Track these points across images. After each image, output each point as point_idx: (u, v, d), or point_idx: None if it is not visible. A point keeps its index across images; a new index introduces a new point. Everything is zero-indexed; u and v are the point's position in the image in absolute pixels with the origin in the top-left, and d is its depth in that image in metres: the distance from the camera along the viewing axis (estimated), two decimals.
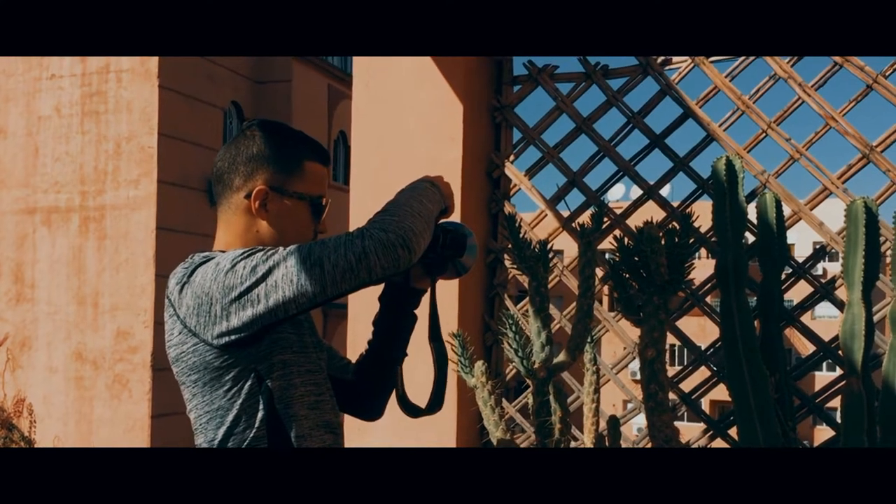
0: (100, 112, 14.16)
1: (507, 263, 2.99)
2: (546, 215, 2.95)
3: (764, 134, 2.65)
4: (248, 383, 1.49)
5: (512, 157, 3.02)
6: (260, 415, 1.50)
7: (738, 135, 2.79)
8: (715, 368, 2.70)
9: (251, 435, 1.50)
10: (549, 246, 2.36)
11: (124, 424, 16.15)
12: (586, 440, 2.37)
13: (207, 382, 1.50)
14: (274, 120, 1.69)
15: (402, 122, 3.03)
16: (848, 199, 2.52)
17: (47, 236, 13.98)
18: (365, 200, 3.07)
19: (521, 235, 2.32)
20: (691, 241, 2.25)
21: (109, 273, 14.58)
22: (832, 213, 2.55)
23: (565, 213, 2.92)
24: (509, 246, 2.99)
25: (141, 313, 16.84)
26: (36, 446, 11.72)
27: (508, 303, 2.99)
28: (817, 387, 2.80)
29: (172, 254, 17.33)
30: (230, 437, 1.50)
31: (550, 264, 2.35)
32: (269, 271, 1.41)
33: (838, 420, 2.53)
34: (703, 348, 2.72)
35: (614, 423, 2.39)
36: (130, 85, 14.09)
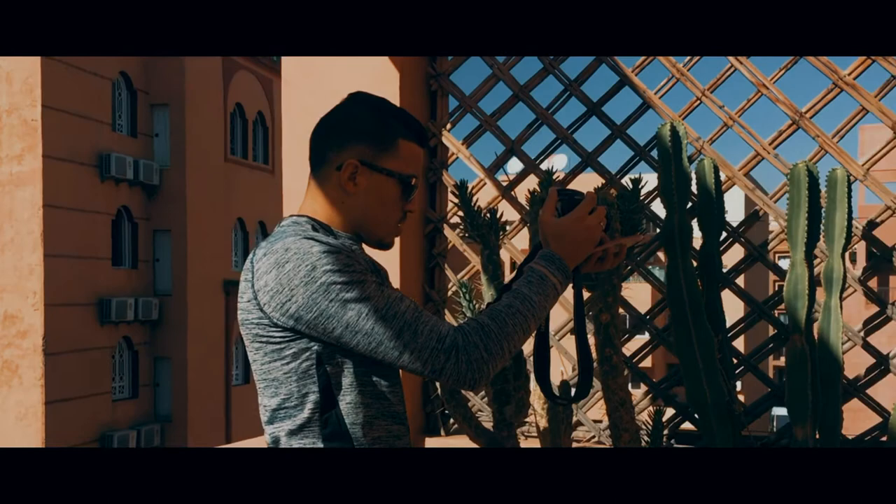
0: None
1: (448, 233, 2.98)
2: (485, 183, 2.94)
3: (698, 101, 2.71)
4: (306, 363, 1.48)
5: (449, 126, 3.00)
6: (313, 397, 1.49)
7: (674, 102, 2.85)
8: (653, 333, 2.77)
9: (302, 415, 1.50)
10: (498, 214, 2.36)
11: (15, 412, 15.43)
12: (536, 406, 2.39)
13: (268, 353, 1.50)
14: (373, 94, 1.65)
15: (335, 93, 2.95)
16: (780, 164, 2.62)
17: None
18: (298, 175, 2.99)
19: (472, 204, 2.31)
20: (644, 203, 2.28)
21: None
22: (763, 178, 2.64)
23: (504, 181, 2.92)
24: (449, 215, 2.98)
25: (30, 296, 16.06)
26: None
27: (449, 272, 2.98)
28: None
29: (62, 232, 16.59)
30: (281, 409, 1.51)
31: (501, 231, 2.35)
32: (357, 316, 1.44)
33: (773, 379, 2.64)
34: (643, 313, 2.78)
35: (565, 387, 2.42)
36: None
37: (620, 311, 2.31)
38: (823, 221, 2.29)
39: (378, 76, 2.88)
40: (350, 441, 1.51)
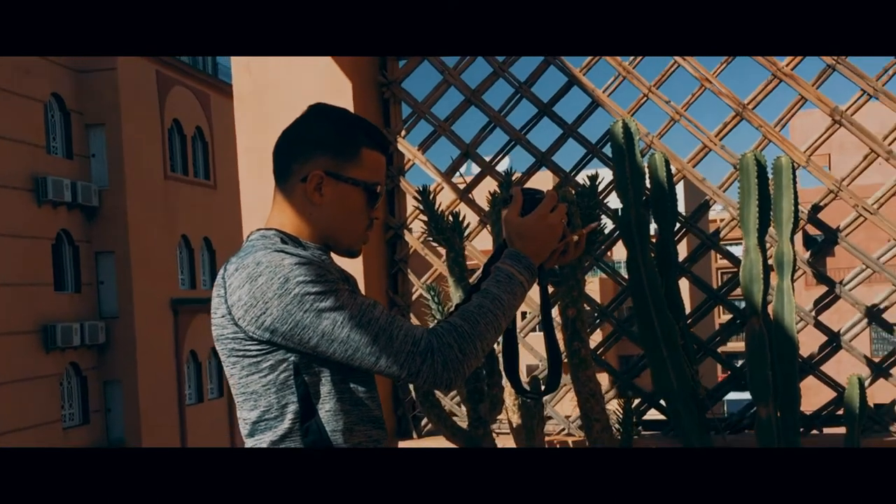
0: None
1: (409, 238, 3.02)
2: (442, 188, 2.99)
3: (645, 98, 2.80)
4: (283, 374, 1.51)
5: (403, 133, 3.04)
6: (292, 407, 1.52)
7: (621, 100, 2.93)
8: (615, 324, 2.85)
9: (283, 426, 1.52)
10: (460, 217, 2.41)
11: None
12: (508, 402, 2.44)
13: (245, 366, 1.53)
14: (334, 105, 1.67)
15: (287, 105, 2.98)
16: (726, 155, 2.72)
17: None
18: (255, 189, 3.01)
19: (434, 208, 2.36)
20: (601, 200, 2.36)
21: None
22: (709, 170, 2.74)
23: (461, 184, 2.97)
24: (409, 220, 3.02)
25: None
26: None
27: (412, 277, 3.02)
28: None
29: (0, 259, 16.14)
30: (261, 422, 1.54)
31: (465, 234, 2.40)
32: (333, 325, 1.47)
33: (733, 363, 2.74)
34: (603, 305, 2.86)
35: (535, 381, 2.47)
36: None
37: (585, 305, 2.37)
38: (772, 208, 2.38)
39: (330, 87, 2.90)
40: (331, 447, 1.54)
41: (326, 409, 1.53)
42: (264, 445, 1.55)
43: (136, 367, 18.76)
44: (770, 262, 2.46)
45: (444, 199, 2.93)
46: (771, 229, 2.46)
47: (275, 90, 2.98)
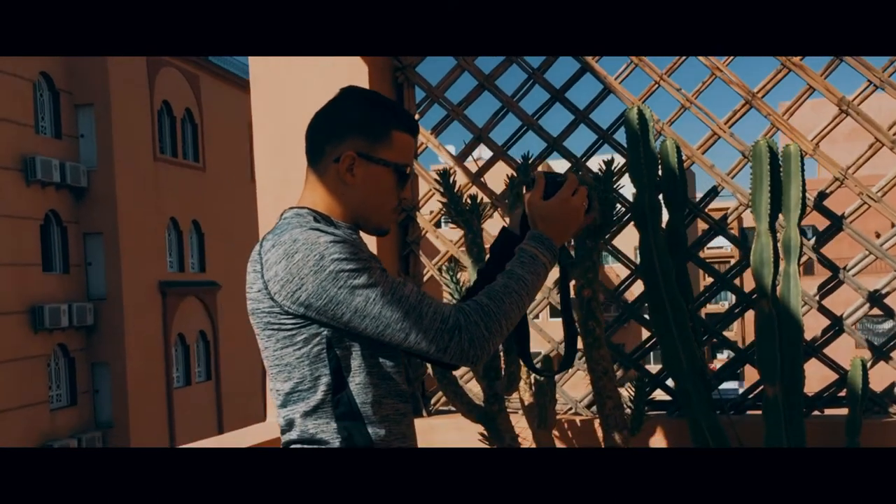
0: None
1: (421, 220, 3.07)
2: (455, 171, 3.03)
3: (657, 85, 2.86)
4: (317, 348, 1.57)
5: (417, 117, 3.08)
6: (325, 380, 1.58)
7: (633, 87, 2.99)
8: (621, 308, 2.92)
9: (315, 398, 1.59)
10: (478, 199, 2.46)
11: None
12: (524, 378, 2.50)
13: (280, 339, 1.59)
14: (365, 88, 1.72)
15: (304, 87, 3.02)
16: (735, 143, 2.78)
17: None
18: (270, 170, 3.05)
19: (454, 191, 2.41)
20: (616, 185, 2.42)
21: None
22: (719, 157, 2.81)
23: (473, 169, 3.03)
24: (421, 203, 3.07)
25: None
26: None
27: (424, 259, 3.08)
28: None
29: None
30: (294, 393, 1.60)
31: (483, 216, 2.46)
32: (365, 301, 1.53)
33: (738, 345, 2.81)
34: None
35: (546, 360, 2.54)
36: None
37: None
38: (781, 194, 2.45)
39: (348, 71, 2.94)
40: (361, 420, 1.60)
41: (357, 382, 1.60)
42: (297, 416, 1.61)
43: (124, 349, 18.75)
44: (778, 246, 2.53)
45: (457, 182, 2.98)
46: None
47: (291, 73, 3.02)
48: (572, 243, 2.36)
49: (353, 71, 2.95)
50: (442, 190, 2.40)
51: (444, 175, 2.40)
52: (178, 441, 18.85)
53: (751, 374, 2.59)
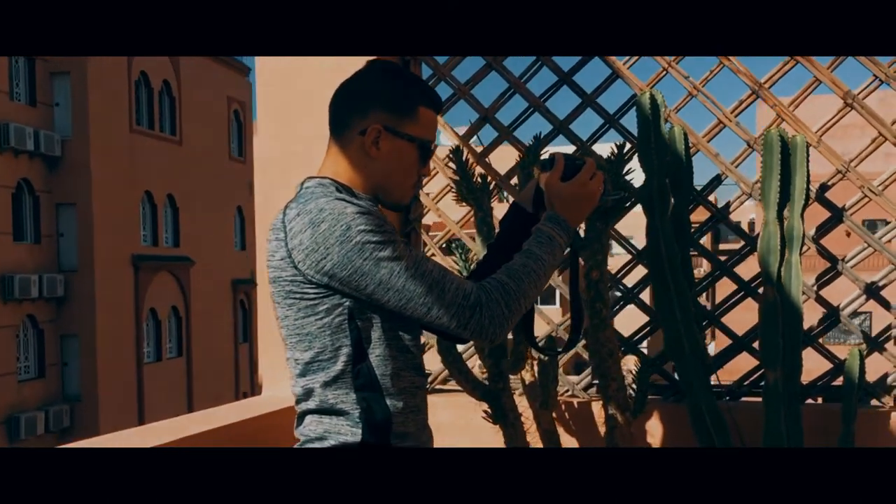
0: None
1: (423, 199, 3.07)
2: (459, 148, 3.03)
3: (664, 72, 2.87)
4: (338, 318, 1.58)
5: None
6: (346, 350, 1.59)
7: (641, 73, 3.00)
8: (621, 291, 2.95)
9: (336, 368, 1.59)
10: (488, 179, 2.47)
11: None
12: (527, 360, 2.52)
13: (301, 308, 1.59)
14: (393, 62, 1.72)
15: (311, 67, 3.01)
16: (741, 132, 2.81)
17: None
18: (272, 149, 3.04)
19: (466, 169, 2.41)
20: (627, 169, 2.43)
21: None
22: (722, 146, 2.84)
23: (479, 149, 3.03)
24: (425, 182, 3.07)
25: None
26: None
27: (425, 237, 3.08)
28: None
29: None
30: (314, 363, 1.61)
31: (493, 196, 2.46)
32: (390, 274, 1.53)
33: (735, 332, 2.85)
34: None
35: (550, 339, 2.56)
36: None
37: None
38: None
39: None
40: (380, 391, 1.61)
41: (377, 353, 1.61)
42: (317, 385, 1.62)
43: (95, 323, 18.57)
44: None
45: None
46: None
47: (297, 68, 3.00)
48: (582, 226, 2.38)
49: None
50: (454, 167, 2.40)
51: (457, 152, 2.40)
52: (147, 418, 18.73)
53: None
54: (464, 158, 2.41)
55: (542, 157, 1.96)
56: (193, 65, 22.56)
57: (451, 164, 2.41)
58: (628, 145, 2.49)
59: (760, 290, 2.55)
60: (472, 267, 2.37)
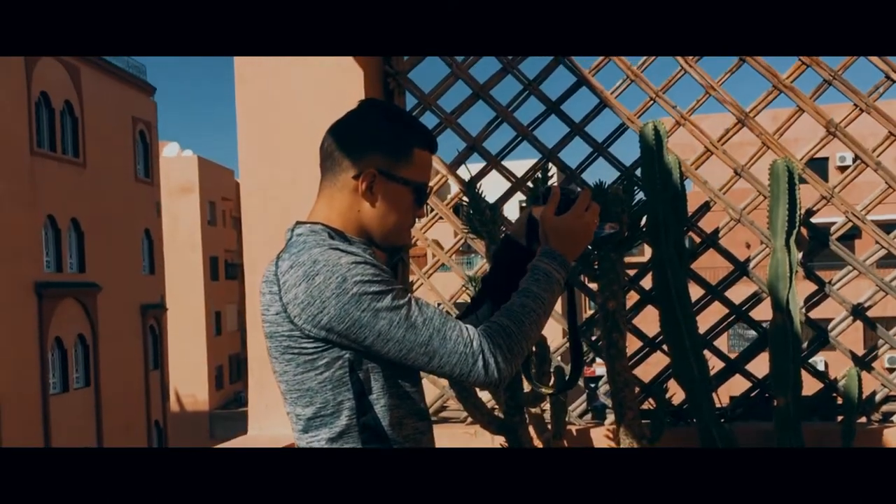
0: None
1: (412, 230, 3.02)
2: (446, 179, 3.01)
3: (652, 101, 2.92)
4: (339, 372, 1.52)
5: None
6: (349, 404, 1.53)
7: (629, 102, 3.04)
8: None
9: (340, 423, 1.54)
10: (499, 209, 2.46)
11: None
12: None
13: (300, 364, 1.52)
14: (386, 102, 1.63)
15: (294, 88, 2.93)
16: (728, 161, 2.88)
17: None
18: (255, 171, 2.94)
19: (478, 200, 2.39)
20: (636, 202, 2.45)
21: None
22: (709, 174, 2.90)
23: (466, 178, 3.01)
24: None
25: None
26: None
27: (414, 267, 3.03)
28: None
29: None
30: (316, 418, 1.54)
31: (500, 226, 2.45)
32: (389, 325, 1.47)
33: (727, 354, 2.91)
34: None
35: (559, 373, 2.55)
36: None
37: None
38: (769, 212, 2.56)
39: (341, 74, 2.87)
40: (387, 441, 1.56)
41: (381, 404, 1.55)
42: (322, 442, 1.56)
43: None
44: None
45: (450, 192, 2.96)
46: (766, 230, 2.65)
47: (280, 75, 2.92)
48: (595, 254, 2.38)
49: (347, 75, 2.88)
50: (467, 200, 2.37)
51: (470, 185, 2.37)
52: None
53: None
54: (478, 190, 2.38)
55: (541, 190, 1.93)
56: (96, 84, 21.82)
57: (464, 199, 2.38)
58: (613, 174, 2.51)
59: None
60: (477, 287, 2.34)
